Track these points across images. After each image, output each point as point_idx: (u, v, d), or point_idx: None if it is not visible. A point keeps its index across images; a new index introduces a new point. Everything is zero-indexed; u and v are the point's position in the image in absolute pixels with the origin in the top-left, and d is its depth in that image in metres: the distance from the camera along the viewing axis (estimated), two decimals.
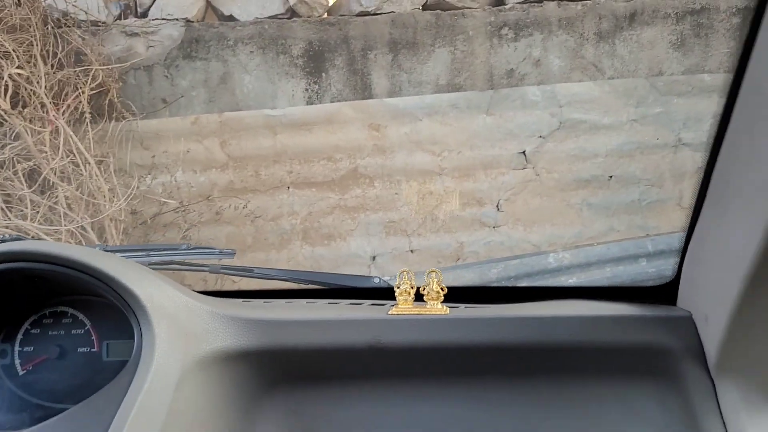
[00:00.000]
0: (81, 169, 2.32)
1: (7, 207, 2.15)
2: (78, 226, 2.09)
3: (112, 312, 0.99)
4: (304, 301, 1.10)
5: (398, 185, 3.38)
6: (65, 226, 2.11)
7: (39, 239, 2.19)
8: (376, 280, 1.37)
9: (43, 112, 2.32)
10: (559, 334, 0.96)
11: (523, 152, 3.41)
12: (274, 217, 3.31)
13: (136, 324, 0.88)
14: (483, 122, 3.38)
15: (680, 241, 0.96)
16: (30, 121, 2.24)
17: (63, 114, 2.34)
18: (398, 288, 1.03)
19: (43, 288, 0.97)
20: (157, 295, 0.90)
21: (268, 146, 3.31)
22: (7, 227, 2.13)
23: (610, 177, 3.47)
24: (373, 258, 3.40)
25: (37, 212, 2.18)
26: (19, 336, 0.99)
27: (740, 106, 0.75)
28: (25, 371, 0.96)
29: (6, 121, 2.27)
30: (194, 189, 3.26)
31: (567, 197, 3.42)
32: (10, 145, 2.28)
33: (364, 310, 1.04)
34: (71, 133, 2.30)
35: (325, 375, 1.00)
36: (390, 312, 1.00)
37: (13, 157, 2.27)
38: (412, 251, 3.38)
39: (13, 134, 2.32)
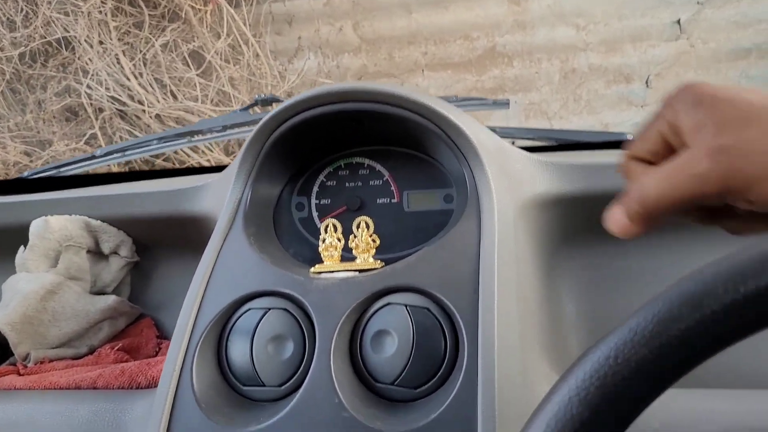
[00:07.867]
0: (242, 51, 2.28)
1: (177, 90, 2.17)
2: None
3: (411, 162, 0.95)
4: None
5: (539, 63, 3.21)
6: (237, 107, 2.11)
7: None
8: (630, 136, 1.29)
9: None
10: None
11: (678, 21, 3.14)
12: None
13: (467, 167, 0.83)
14: None
15: None
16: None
17: None
18: None
19: (347, 135, 0.93)
20: (483, 137, 0.85)
21: (402, 26, 3.18)
22: (177, 109, 2.14)
23: None
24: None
25: (206, 95, 2.17)
26: (315, 188, 0.97)
27: None
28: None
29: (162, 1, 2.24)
30: (327, 73, 3.19)
31: (724, 69, 3.16)
32: (171, 27, 2.26)
33: None
34: (233, 12, 2.25)
35: None
36: None
37: (174, 39, 2.26)
38: None
39: (170, 15, 2.30)
